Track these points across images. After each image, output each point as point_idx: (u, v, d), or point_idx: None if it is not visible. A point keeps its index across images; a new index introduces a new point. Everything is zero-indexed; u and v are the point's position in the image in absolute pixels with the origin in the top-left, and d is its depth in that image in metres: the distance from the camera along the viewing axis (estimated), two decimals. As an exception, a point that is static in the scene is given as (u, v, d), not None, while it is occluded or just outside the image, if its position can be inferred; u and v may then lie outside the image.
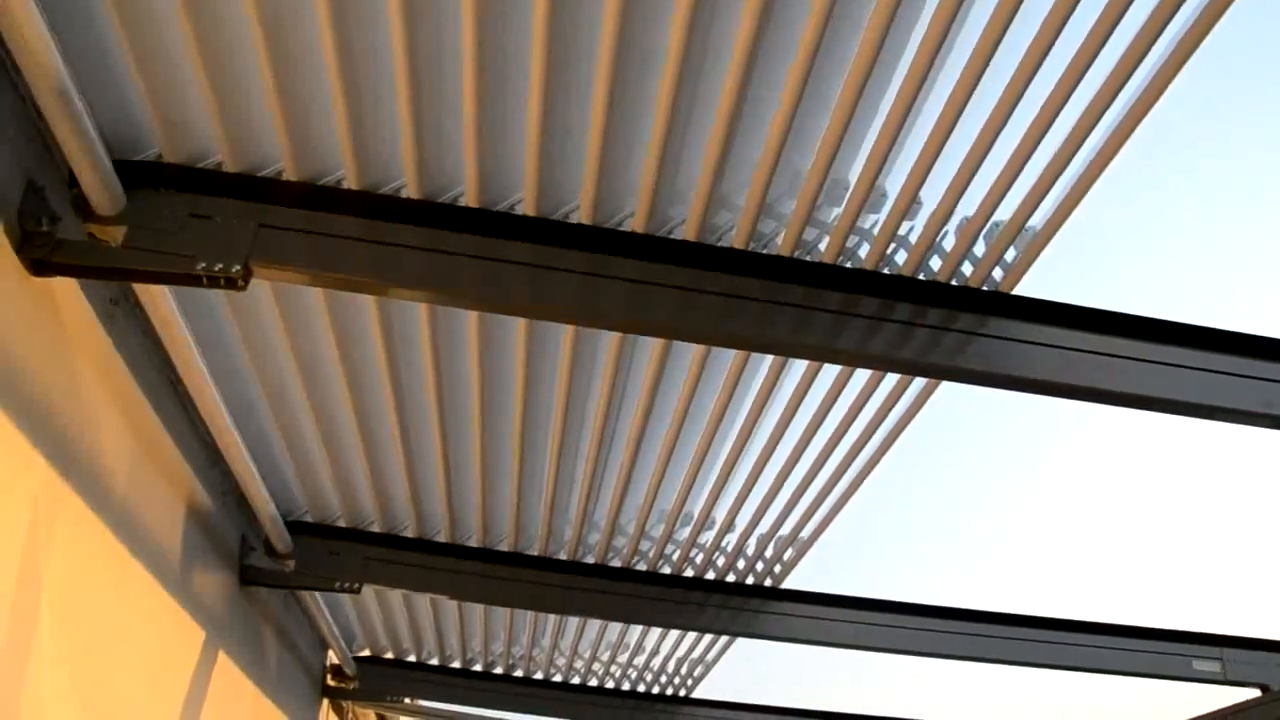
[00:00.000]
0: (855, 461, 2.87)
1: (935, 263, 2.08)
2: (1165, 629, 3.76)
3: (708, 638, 4.45)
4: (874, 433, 2.73)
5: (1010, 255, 2.04)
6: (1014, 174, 1.84)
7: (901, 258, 2.07)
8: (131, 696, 2.49)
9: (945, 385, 2.46)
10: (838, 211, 2.03)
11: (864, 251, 2.07)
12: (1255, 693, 3.73)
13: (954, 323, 2.10)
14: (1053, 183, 1.83)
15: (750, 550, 3.47)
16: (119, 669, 2.40)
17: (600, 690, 5.19)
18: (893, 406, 2.61)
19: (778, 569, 3.55)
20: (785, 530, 3.31)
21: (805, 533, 3.31)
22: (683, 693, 5.16)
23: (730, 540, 3.43)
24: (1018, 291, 2.11)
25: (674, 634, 4.47)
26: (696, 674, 4.96)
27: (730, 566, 3.56)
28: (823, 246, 2.07)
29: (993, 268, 2.07)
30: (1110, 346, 2.12)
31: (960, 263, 2.06)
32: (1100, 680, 3.84)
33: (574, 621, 4.50)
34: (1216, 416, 2.09)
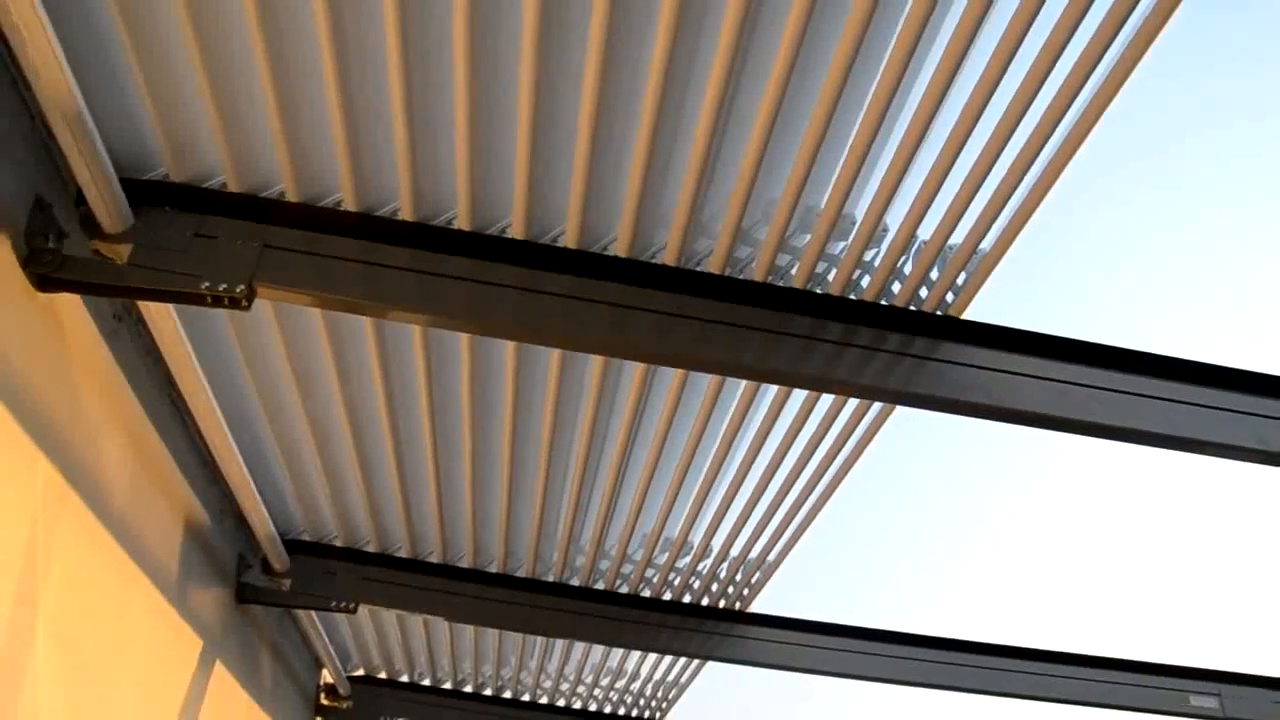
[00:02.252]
0: (820, 483, 2.77)
1: (895, 287, 2.01)
2: (1163, 664, 3.49)
3: (682, 660, 4.28)
4: (838, 454, 2.63)
5: (961, 279, 1.98)
6: (968, 198, 1.79)
7: (866, 282, 2.01)
8: (127, 710, 2.32)
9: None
10: (808, 238, 1.97)
11: (831, 276, 2.01)
12: (1253, 729, 3.46)
13: (910, 347, 2.02)
14: (1003, 205, 1.78)
15: (722, 573, 3.34)
16: (115, 682, 2.22)
17: (584, 713, 4.98)
18: (855, 428, 2.52)
19: (745, 592, 3.40)
20: (754, 553, 3.19)
21: (772, 555, 3.19)
22: (657, 715, 4.96)
23: (705, 564, 3.30)
24: (989, 319, 2.04)
25: (651, 656, 4.30)
26: (670, 696, 4.77)
27: (705, 589, 3.43)
28: (794, 272, 2.01)
29: (947, 292, 2.01)
30: (1079, 376, 2.01)
31: (919, 287, 2.00)
32: (1096, 714, 3.55)
33: (559, 644, 4.32)
34: (1207, 451, 2.00)
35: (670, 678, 4.50)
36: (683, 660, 4.25)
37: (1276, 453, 2.00)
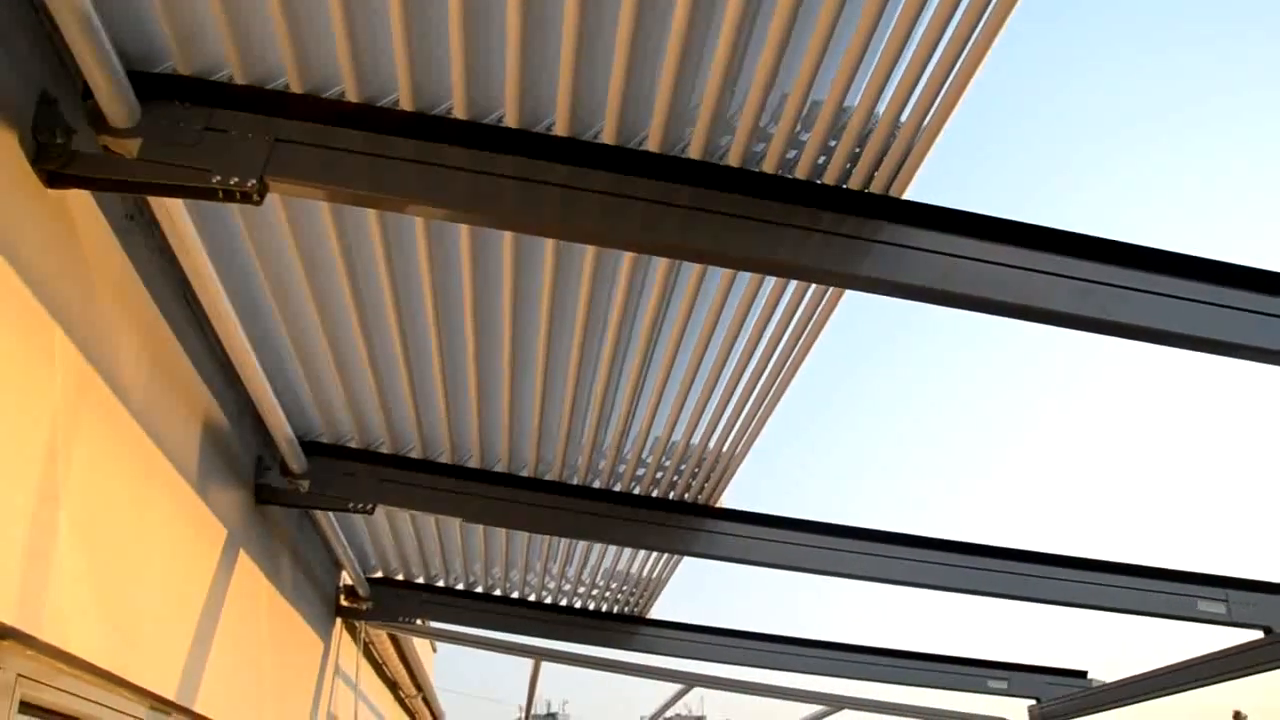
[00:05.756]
0: (783, 370, 2.75)
1: (851, 169, 1.98)
2: (1171, 569, 3.33)
3: (665, 556, 4.31)
4: (798, 339, 2.61)
5: (907, 159, 1.91)
6: (916, 75, 1.75)
7: (829, 166, 1.98)
8: (153, 599, 2.29)
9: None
10: (777, 125, 1.94)
11: (799, 162, 1.98)
12: (1259, 634, 3.38)
13: (861, 230, 1.95)
14: (945, 79, 1.74)
15: (701, 469, 3.33)
16: (140, 571, 2.15)
17: (583, 611, 5.07)
18: (812, 314, 2.50)
19: (719, 485, 3.36)
20: (726, 446, 3.17)
21: (740, 448, 3.17)
22: (640, 612, 5.05)
23: (687, 461, 3.30)
24: (968, 207, 1.98)
25: (640, 555, 4.35)
26: (653, 592, 4.84)
27: (686, 485, 3.45)
28: (767, 157, 1.98)
29: (895, 173, 1.95)
30: (1026, 260, 1.95)
31: (873, 169, 1.95)
32: (1103, 618, 3.39)
33: (561, 546, 4.37)
34: (1146, 338, 1.94)
35: (656, 575, 4.57)
36: (665, 556, 4.29)
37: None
